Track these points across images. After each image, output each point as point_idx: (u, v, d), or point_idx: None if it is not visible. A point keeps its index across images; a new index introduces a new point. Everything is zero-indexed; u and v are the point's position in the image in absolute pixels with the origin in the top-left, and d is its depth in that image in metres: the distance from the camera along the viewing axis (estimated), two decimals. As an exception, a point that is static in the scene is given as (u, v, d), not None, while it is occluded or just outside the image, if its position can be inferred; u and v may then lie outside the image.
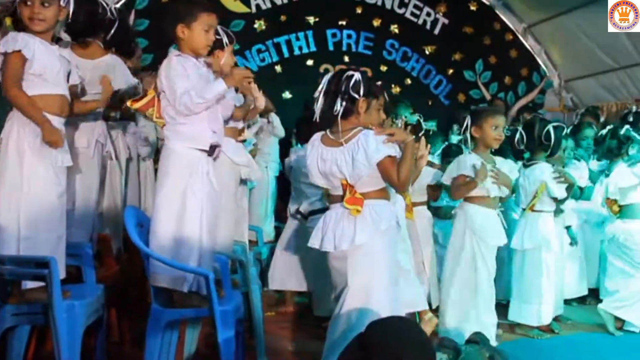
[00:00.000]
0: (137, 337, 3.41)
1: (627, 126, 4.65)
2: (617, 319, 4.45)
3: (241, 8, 7.84)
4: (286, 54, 8.09)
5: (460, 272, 3.96)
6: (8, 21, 2.99)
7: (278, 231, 5.78)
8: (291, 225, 4.70)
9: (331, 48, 8.26)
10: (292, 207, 4.74)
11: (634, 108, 6.85)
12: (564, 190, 4.34)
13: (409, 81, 8.58)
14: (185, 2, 3.08)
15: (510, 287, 4.50)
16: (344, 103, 2.90)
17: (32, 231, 2.89)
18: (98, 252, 3.66)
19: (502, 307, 4.35)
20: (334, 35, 8.26)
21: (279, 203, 6.35)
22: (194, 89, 2.93)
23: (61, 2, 3.01)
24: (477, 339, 3.38)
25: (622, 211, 4.55)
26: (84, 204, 3.52)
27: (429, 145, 3.46)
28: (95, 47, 3.72)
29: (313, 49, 8.18)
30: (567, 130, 5.47)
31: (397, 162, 2.88)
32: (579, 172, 5.12)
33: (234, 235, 3.79)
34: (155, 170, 4.28)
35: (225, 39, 3.61)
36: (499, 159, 4.05)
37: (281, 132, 6.13)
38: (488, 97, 8.89)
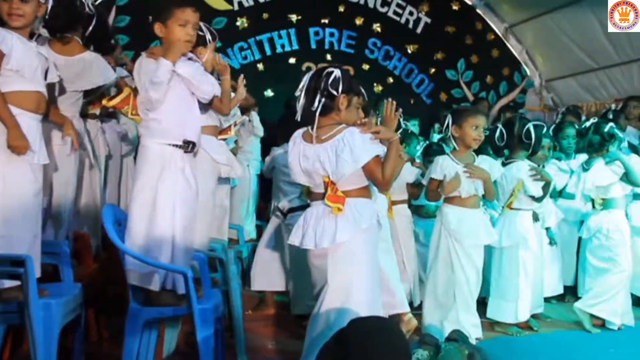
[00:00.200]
0: (116, 336, 3.38)
1: (611, 124, 4.68)
2: (595, 317, 4.50)
3: (223, 5, 7.81)
4: (268, 52, 8.08)
5: (439, 271, 4.00)
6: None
7: (259, 230, 5.77)
8: (273, 223, 4.69)
9: (313, 46, 8.27)
10: (273, 205, 4.73)
11: (613, 106, 6.93)
12: (540, 188, 4.38)
13: (391, 80, 8.62)
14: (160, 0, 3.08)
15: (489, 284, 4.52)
16: (322, 100, 2.89)
17: (8, 229, 2.85)
18: (76, 250, 3.62)
19: (482, 305, 4.39)
20: (316, 33, 8.27)
21: (260, 202, 6.34)
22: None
23: (40, -1, 2.98)
24: (456, 337, 3.40)
25: (606, 203, 4.60)
26: (60, 201, 3.49)
27: (402, 145, 3.47)
28: (74, 44, 3.68)
29: (295, 47, 8.18)
30: (550, 130, 5.54)
31: (381, 161, 2.89)
32: (562, 173, 5.18)
33: (213, 233, 3.77)
34: (137, 168, 4.25)
35: (208, 36, 3.60)
36: (480, 157, 4.07)
37: (260, 132, 6.11)
38: (470, 96, 8.95)
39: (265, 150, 6.01)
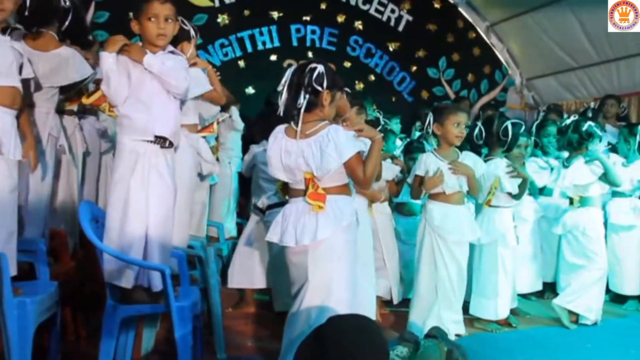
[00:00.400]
0: (94, 334, 3.34)
1: (590, 122, 4.71)
2: (572, 312, 4.54)
3: (204, 2, 7.77)
4: (250, 49, 8.05)
5: (423, 268, 4.02)
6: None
7: (240, 228, 5.74)
8: (252, 221, 4.67)
9: (295, 43, 8.25)
10: (253, 203, 4.70)
11: (592, 105, 7.00)
12: (517, 186, 4.41)
13: (372, 77, 8.63)
14: None
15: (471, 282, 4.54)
16: (307, 96, 2.87)
17: (-18, 226, 2.81)
18: (53, 248, 3.57)
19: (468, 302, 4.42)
20: (297, 30, 8.25)
21: (241, 199, 6.30)
22: None
23: (17, -7, 2.93)
24: (435, 334, 3.41)
25: (583, 200, 4.64)
26: (36, 198, 3.44)
27: None
28: (49, 38, 3.62)
29: (277, 44, 8.16)
30: (533, 127, 5.58)
31: (362, 159, 2.89)
32: (542, 171, 5.22)
33: (192, 230, 3.74)
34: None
35: (192, 32, 3.57)
36: (464, 153, 4.08)
37: (240, 126, 6.06)
38: (451, 94, 8.99)
39: (245, 148, 5.99)
